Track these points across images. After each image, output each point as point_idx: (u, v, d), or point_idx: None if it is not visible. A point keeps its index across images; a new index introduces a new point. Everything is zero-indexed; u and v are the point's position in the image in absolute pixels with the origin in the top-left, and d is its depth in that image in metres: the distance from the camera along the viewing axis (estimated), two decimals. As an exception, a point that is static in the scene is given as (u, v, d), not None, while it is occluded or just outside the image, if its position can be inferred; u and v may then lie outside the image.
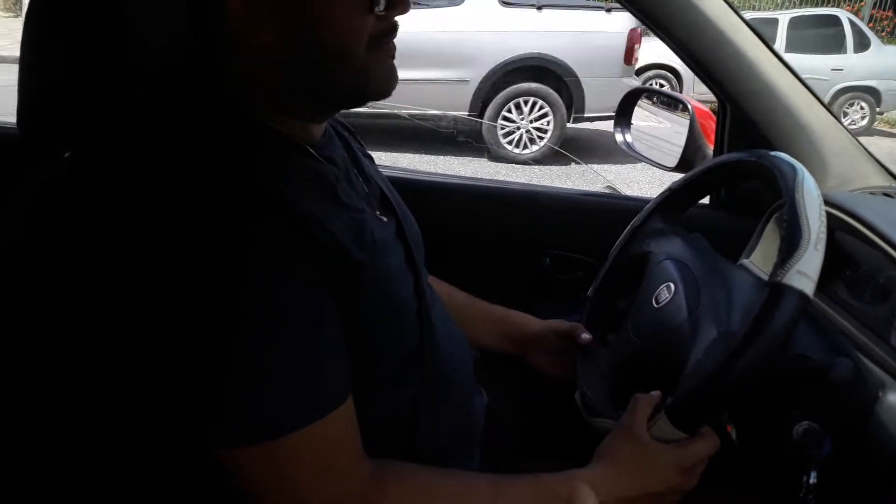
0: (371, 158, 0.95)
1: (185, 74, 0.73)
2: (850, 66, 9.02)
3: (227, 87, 0.71)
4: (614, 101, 1.53)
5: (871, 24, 11.64)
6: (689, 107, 1.34)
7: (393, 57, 0.73)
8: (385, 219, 0.82)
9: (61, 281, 0.67)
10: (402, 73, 0.75)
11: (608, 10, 6.15)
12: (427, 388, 0.79)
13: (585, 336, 1.02)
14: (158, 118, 0.70)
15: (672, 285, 0.90)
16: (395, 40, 0.73)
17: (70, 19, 0.68)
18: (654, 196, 1.07)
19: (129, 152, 0.67)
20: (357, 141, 0.93)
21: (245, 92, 0.71)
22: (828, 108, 1.16)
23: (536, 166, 5.86)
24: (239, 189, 0.63)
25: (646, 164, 1.45)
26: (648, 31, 1.19)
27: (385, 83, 0.73)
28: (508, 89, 6.00)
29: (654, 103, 1.53)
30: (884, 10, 12.31)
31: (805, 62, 8.29)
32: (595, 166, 5.12)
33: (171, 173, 0.63)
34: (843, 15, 9.32)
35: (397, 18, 0.71)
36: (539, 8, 6.02)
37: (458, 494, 0.72)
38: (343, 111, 0.80)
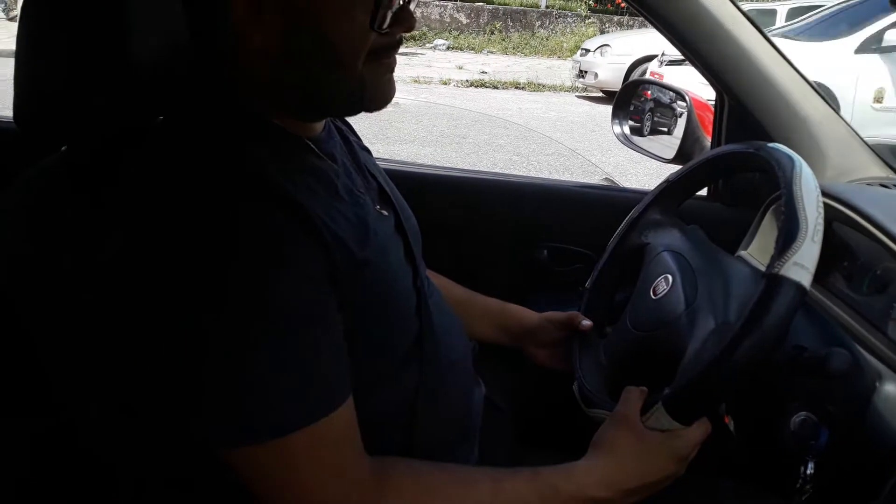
0: (369, 152, 0.95)
1: (187, 71, 0.72)
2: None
3: (229, 84, 0.71)
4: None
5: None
6: (687, 98, 1.34)
7: (392, 71, 0.74)
8: (385, 213, 0.82)
9: (61, 276, 0.67)
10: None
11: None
12: (426, 381, 0.80)
13: (585, 323, 1.02)
14: (160, 115, 0.70)
15: (670, 277, 0.90)
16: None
17: (67, 13, 0.68)
18: (652, 188, 1.07)
19: (130, 149, 0.67)
20: (354, 134, 0.93)
21: (246, 89, 0.71)
22: (826, 99, 1.16)
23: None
24: (245, 189, 0.63)
25: (644, 155, 1.45)
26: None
27: (381, 96, 0.74)
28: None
29: (652, 95, 1.53)
30: (882, 0, 12.28)
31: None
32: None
33: (174, 172, 0.63)
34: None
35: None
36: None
37: (457, 489, 0.72)
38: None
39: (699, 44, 1.12)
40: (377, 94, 0.73)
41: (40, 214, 0.69)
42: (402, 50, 0.77)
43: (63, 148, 0.73)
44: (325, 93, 0.71)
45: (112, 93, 0.70)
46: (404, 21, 0.70)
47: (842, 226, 0.97)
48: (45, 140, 0.73)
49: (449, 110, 7.76)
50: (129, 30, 0.68)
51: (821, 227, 0.72)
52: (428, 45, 12.95)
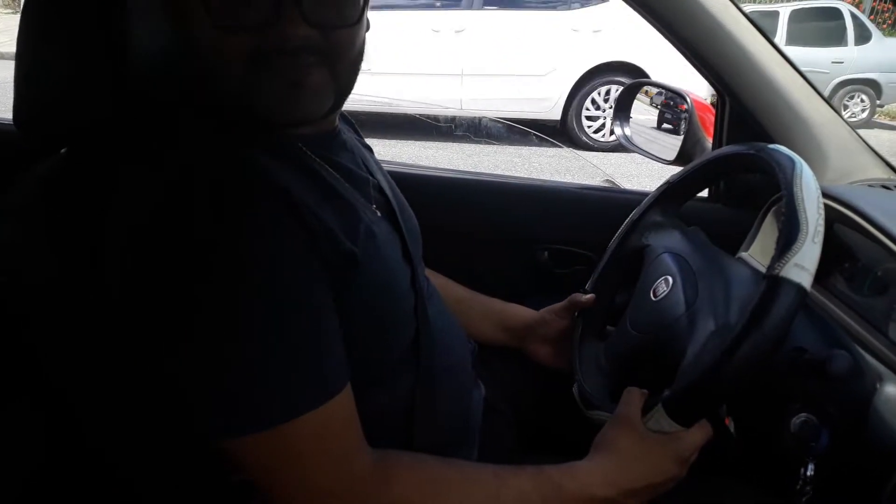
0: (371, 150, 0.95)
1: (178, 73, 0.73)
2: (850, 58, 8.99)
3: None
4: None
5: (872, 17, 11.60)
6: (689, 100, 1.34)
7: (295, 82, 0.67)
8: (381, 213, 0.82)
9: (61, 278, 0.67)
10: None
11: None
12: (424, 382, 0.80)
13: (588, 297, 1.03)
14: (159, 116, 0.70)
15: (670, 278, 0.90)
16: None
17: (67, 17, 0.68)
18: (653, 189, 1.07)
19: (129, 149, 0.67)
20: (356, 132, 0.93)
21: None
22: (827, 101, 1.16)
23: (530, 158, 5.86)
24: (236, 181, 0.63)
25: (645, 157, 1.45)
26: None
27: (276, 107, 0.68)
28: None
29: (653, 96, 1.52)
30: (885, 2, 12.26)
31: (806, 55, 8.27)
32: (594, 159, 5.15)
33: (169, 170, 0.64)
34: (845, 7, 9.28)
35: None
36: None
37: (461, 483, 0.72)
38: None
39: (700, 45, 1.12)
40: (271, 107, 0.68)
41: (41, 216, 0.69)
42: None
43: (63, 150, 0.74)
44: (215, 101, 0.69)
45: (112, 95, 0.70)
46: (277, 21, 0.64)
47: (843, 227, 0.97)
48: (45, 142, 0.73)
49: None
50: (129, 33, 0.69)
51: (821, 229, 0.72)
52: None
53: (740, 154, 0.92)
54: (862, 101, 9.06)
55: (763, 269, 0.75)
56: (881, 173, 1.17)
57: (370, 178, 0.84)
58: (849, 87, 9.00)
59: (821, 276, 0.75)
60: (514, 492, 0.72)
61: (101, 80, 0.69)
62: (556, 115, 6.13)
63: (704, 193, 1.33)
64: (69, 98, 0.69)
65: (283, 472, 0.64)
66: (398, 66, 5.71)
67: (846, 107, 8.95)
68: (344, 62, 0.71)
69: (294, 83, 0.67)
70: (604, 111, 6.08)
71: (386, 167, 0.95)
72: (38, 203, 0.70)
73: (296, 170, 0.70)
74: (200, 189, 0.62)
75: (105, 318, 0.64)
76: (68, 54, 0.68)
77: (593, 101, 6.09)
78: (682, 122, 1.46)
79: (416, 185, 1.22)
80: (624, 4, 1.10)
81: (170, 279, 0.60)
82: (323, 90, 0.70)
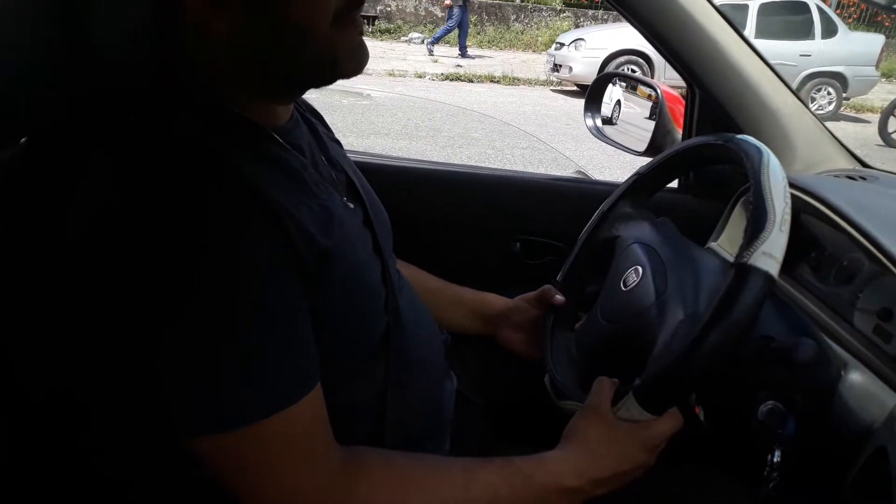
0: (339, 144, 0.94)
1: (148, 63, 0.71)
2: (817, 52, 9.16)
3: (190, 74, 0.69)
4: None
5: (838, 11, 11.82)
6: (659, 91, 1.34)
7: (361, 32, 0.71)
8: (352, 205, 0.81)
9: (26, 268, 0.65)
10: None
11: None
12: (395, 375, 0.79)
13: (558, 297, 1.03)
14: (122, 106, 0.68)
15: (640, 269, 0.90)
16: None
17: (22, 1, 0.66)
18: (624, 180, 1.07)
19: (91, 141, 0.65)
20: (324, 125, 0.92)
21: (208, 79, 0.69)
22: (795, 92, 1.18)
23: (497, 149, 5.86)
24: (207, 179, 0.62)
25: (615, 148, 1.46)
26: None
27: (355, 60, 0.71)
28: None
29: (623, 88, 1.53)
30: (851, -4, 12.48)
31: (774, 48, 8.42)
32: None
33: (138, 165, 0.62)
34: (812, 1, 9.43)
35: None
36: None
37: (430, 478, 0.72)
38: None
39: (670, 37, 1.13)
40: (351, 59, 0.71)
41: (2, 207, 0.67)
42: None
43: (22, 140, 0.72)
44: (298, 66, 0.69)
45: (73, 82, 0.68)
46: None
47: (809, 217, 0.99)
48: (3, 132, 0.71)
49: (424, 103, 7.74)
50: (90, 17, 0.67)
51: (788, 217, 0.73)
52: (403, 38, 12.90)
53: (709, 144, 0.93)
54: (829, 93, 9.23)
55: (731, 259, 0.75)
56: (847, 164, 1.19)
57: (340, 171, 0.83)
58: (816, 80, 9.17)
59: (788, 265, 0.76)
60: (483, 485, 0.72)
61: (62, 67, 0.68)
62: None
63: (674, 185, 1.34)
64: (27, 86, 0.67)
65: (251, 471, 0.63)
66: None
67: (813, 99, 9.12)
68: None
69: (361, 32, 0.71)
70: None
71: (357, 158, 0.94)
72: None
73: (269, 164, 0.69)
74: (173, 189, 0.60)
75: (69, 311, 0.62)
76: (24, 40, 0.67)
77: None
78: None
79: (387, 176, 1.22)
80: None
81: (139, 279, 0.59)
82: None
